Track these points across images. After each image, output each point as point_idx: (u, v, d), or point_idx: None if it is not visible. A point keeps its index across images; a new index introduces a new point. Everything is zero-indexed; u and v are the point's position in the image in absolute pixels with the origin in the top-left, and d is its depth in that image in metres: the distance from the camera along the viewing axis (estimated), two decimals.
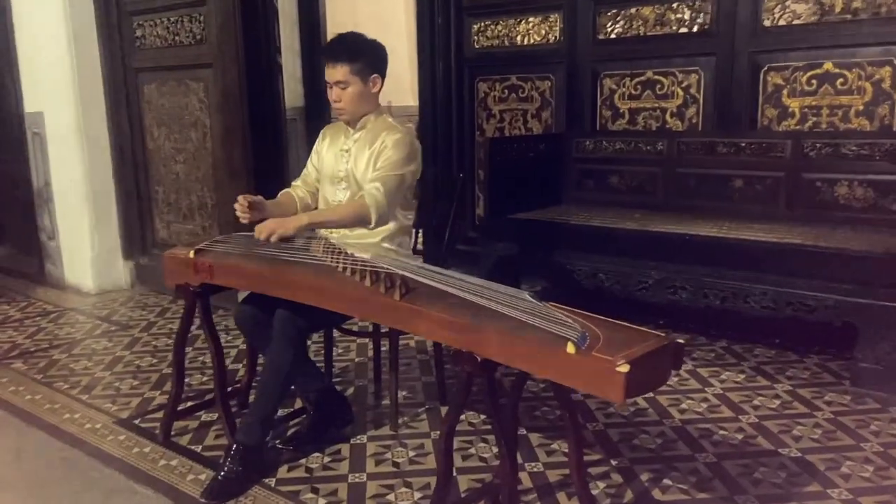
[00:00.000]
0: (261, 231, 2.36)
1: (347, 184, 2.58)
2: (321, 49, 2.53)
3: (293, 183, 2.78)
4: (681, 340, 1.74)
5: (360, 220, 2.44)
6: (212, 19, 3.87)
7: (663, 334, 1.71)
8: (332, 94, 2.51)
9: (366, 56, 2.47)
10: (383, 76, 2.54)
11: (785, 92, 3.64)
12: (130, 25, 4.38)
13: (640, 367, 1.56)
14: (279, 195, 2.74)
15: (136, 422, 2.81)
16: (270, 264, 2.24)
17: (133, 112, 4.51)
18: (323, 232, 2.64)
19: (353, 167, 2.56)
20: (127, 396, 3.05)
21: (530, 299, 1.85)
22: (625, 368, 1.52)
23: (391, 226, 2.57)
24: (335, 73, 2.45)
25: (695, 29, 3.84)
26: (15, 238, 5.83)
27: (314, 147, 2.73)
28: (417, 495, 2.24)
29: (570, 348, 1.59)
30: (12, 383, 3.21)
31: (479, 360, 1.75)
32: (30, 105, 4.77)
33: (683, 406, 2.83)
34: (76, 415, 2.88)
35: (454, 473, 2.35)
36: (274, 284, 2.19)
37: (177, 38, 4.13)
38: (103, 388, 3.14)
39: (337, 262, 2.14)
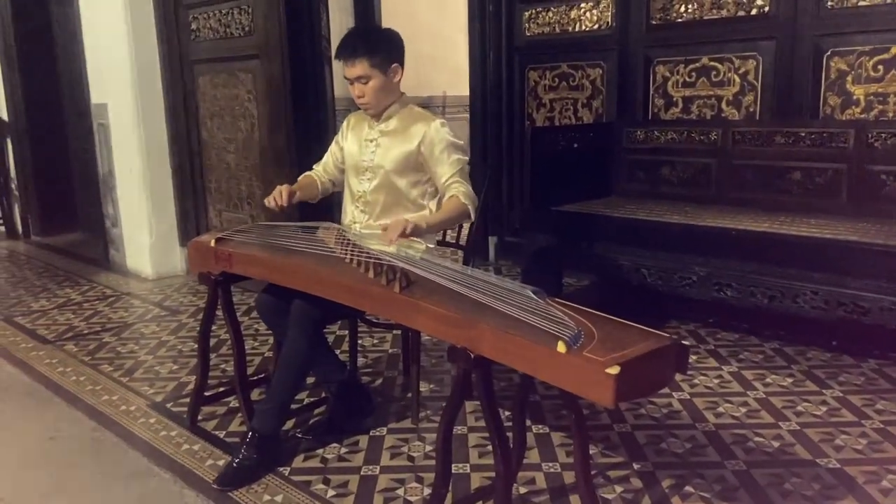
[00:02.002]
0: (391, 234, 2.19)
1: (373, 174, 2.55)
2: (337, 48, 2.49)
3: (314, 166, 2.77)
4: (686, 341, 1.64)
5: (463, 219, 2.47)
6: (258, 10, 3.92)
7: (667, 335, 1.61)
8: (355, 90, 2.48)
9: (383, 47, 2.43)
10: (402, 64, 2.50)
11: (849, 78, 3.41)
12: (187, 18, 4.48)
13: (634, 369, 1.48)
14: (300, 178, 2.73)
15: (169, 406, 2.88)
16: (281, 254, 2.24)
17: (189, 103, 4.62)
18: (346, 221, 2.64)
19: (382, 159, 2.52)
20: (164, 380, 3.13)
21: (532, 296, 1.78)
22: (614, 370, 1.44)
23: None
24: (355, 69, 2.42)
25: (753, 12, 3.64)
26: (87, 225, 6.12)
27: (337, 136, 2.72)
28: (427, 490, 2.20)
29: (561, 347, 1.52)
30: (61, 364, 3.34)
31: (472, 356, 1.69)
32: (95, 97, 4.96)
33: (720, 410, 2.70)
34: (114, 397, 2.97)
35: (469, 470, 2.32)
36: (283, 274, 2.20)
37: (228, 29, 4.21)
38: (144, 372, 3.23)
39: (345, 253, 2.12)
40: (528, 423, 2.51)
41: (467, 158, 2.52)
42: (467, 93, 4.97)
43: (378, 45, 2.42)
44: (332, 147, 2.72)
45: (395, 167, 2.50)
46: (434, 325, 1.81)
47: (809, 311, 2.93)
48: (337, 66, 4.34)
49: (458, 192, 2.40)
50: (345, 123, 2.70)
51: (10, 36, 6.02)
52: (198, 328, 3.71)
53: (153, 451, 2.50)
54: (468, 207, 2.40)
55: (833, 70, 3.45)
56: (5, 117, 6.34)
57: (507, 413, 2.51)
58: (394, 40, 2.48)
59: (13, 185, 6.48)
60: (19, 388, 3.12)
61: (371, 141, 2.57)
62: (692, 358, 3.10)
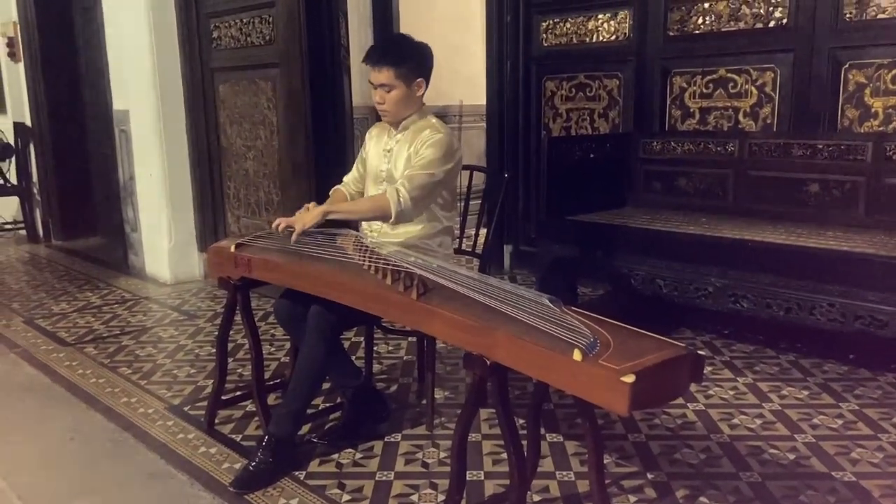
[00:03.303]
0: (278, 224, 2.42)
1: (389, 183, 2.58)
2: (368, 51, 2.53)
3: (344, 179, 2.81)
4: (701, 352, 1.65)
5: (380, 215, 2.42)
6: (279, 20, 3.97)
7: (682, 345, 1.62)
8: (376, 95, 2.52)
9: (411, 60, 2.46)
10: (428, 79, 2.53)
11: (868, 91, 3.40)
12: (208, 27, 4.54)
13: (650, 378, 1.48)
14: (331, 193, 2.77)
15: (186, 409, 2.91)
16: (300, 260, 2.27)
17: (209, 110, 4.68)
18: (364, 229, 2.66)
19: (393, 167, 2.56)
20: (182, 384, 3.16)
21: (548, 304, 1.80)
22: (630, 379, 1.45)
23: (429, 226, 2.55)
24: (379, 76, 2.46)
25: (771, 24, 3.64)
26: (107, 229, 6.19)
27: (362, 147, 2.75)
28: (441, 497, 2.22)
29: (577, 355, 1.54)
30: (81, 366, 3.39)
31: (488, 363, 1.71)
32: (117, 103, 5.03)
33: (735, 421, 2.69)
34: (132, 399, 3.01)
35: (483, 478, 2.33)
36: (301, 279, 2.22)
37: (249, 38, 4.26)
38: (162, 375, 3.27)
39: (363, 260, 2.15)
40: (543, 431, 2.52)
41: (436, 174, 2.42)
42: (484, 102, 5.00)
43: (406, 57, 2.46)
44: (358, 158, 2.77)
45: (402, 175, 2.53)
46: (450, 332, 1.83)
47: (826, 324, 2.93)
48: (356, 75, 4.43)
49: (393, 190, 2.37)
50: (367, 134, 2.75)
51: (34, 42, 6.12)
52: (215, 333, 3.76)
53: (170, 454, 2.53)
54: (390, 209, 2.35)
55: (851, 82, 3.45)
56: (28, 123, 6.44)
57: (521, 421, 2.52)
58: (424, 55, 2.51)
59: (35, 190, 6.57)
60: (39, 390, 3.16)
61: (388, 151, 2.60)
62: (707, 369, 3.10)
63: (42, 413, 2.93)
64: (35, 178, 6.55)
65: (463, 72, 6.43)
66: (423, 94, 2.55)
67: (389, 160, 2.58)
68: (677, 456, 2.45)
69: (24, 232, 6.63)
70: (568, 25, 4.42)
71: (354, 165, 2.79)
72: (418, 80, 2.50)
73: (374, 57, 2.48)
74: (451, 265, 2.18)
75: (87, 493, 2.33)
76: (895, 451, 2.42)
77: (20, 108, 6.47)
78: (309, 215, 2.40)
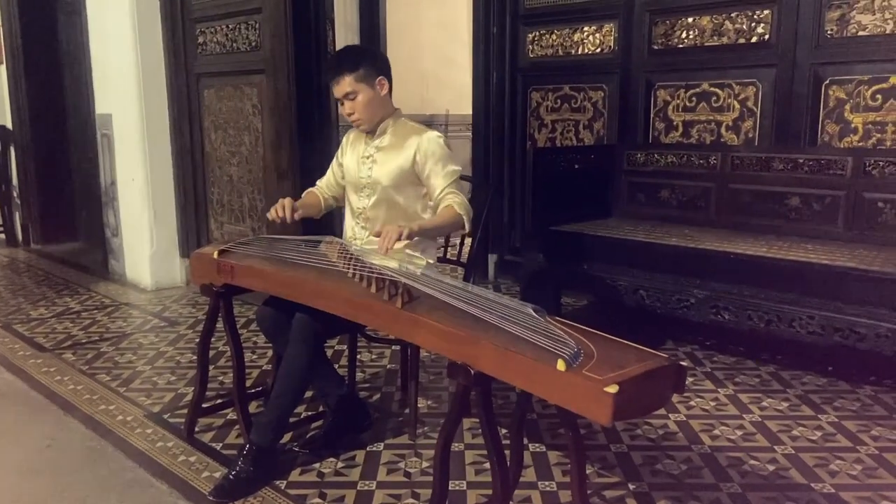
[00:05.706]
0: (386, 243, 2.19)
1: (372, 190, 2.58)
2: (324, 71, 2.55)
3: (318, 183, 2.80)
4: (683, 363, 1.66)
5: (457, 227, 2.48)
6: (266, 27, 3.96)
7: (665, 355, 1.63)
8: (345, 108, 2.52)
9: (366, 61, 2.47)
10: (389, 78, 2.53)
11: (847, 107, 3.45)
12: (194, 32, 4.53)
13: (633, 388, 1.49)
14: (304, 195, 2.76)
15: (166, 416, 2.88)
16: (283, 267, 2.26)
17: (193, 116, 4.66)
18: (347, 236, 2.66)
19: (379, 175, 2.55)
20: (162, 391, 3.13)
21: (532, 313, 1.80)
22: (613, 389, 1.45)
23: None
24: (341, 86, 2.46)
25: (753, 39, 3.69)
26: (87, 234, 6.14)
27: (337, 152, 2.75)
28: None
29: (561, 365, 1.54)
30: (59, 372, 3.35)
31: (472, 372, 1.71)
32: (100, 107, 4.99)
33: (716, 432, 2.70)
34: (111, 406, 2.97)
35: (465, 488, 2.33)
36: (285, 287, 2.21)
37: (235, 44, 4.25)
38: (141, 382, 3.23)
39: (347, 268, 2.14)
40: (526, 441, 2.51)
41: (460, 169, 2.56)
42: (470, 112, 5.02)
43: (361, 60, 2.47)
44: (333, 163, 2.76)
45: (392, 182, 2.53)
46: (435, 341, 1.83)
47: (805, 336, 2.95)
48: None
49: (454, 202, 2.43)
50: (344, 139, 2.74)
51: (16, 44, 6.07)
52: (196, 339, 3.72)
53: (150, 462, 2.50)
54: (463, 218, 2.43)
55: (832, 98, 3.50)
56: (9, 125, 6.38)
57: (503, 431, 2.51)
58: (377, 56, 2.55)
59: (15, 193, 6.50)
60: (16, 396, 3.12)
61: (367, 157, 2.60)
62: (689, 380, 3.12)
63: (19, 420, 2.89)
64: (15, 181, 6.48)
65: (449, 81, 6.45)
66: (388, 93, 2.56)
67: (371, 167, 2.57)
68: (659, 466, 2.46)
69: (2, 236, 6.55)
70: (554, 37, 4.45)
71: (330, 169, 2.77)
72: (379, 78, 2.50)
73: (331, 71, 2.50)
74: (435, 274, 2.18)
75: (63, 501, 2.30)
76: (874, 464, 2.45)
77: (1, 110, 6.41)
78: (395, 235, 2.19)
